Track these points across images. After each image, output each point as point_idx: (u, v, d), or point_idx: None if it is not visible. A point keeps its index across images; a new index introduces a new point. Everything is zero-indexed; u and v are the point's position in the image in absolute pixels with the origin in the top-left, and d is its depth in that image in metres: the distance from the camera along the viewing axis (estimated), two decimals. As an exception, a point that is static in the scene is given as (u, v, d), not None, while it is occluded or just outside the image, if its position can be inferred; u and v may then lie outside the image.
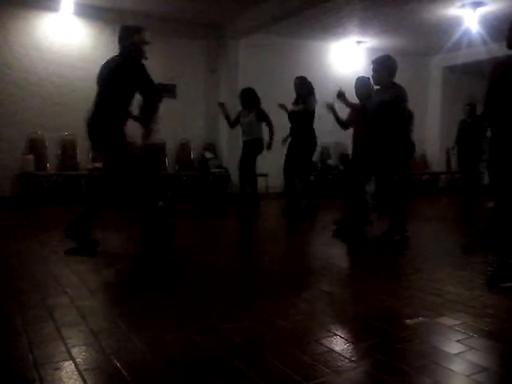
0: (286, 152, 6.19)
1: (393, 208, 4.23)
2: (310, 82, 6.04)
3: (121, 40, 3.95)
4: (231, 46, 8.70)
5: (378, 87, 4.24)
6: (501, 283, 2.70)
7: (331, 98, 4.74)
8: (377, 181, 4.49)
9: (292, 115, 6.04)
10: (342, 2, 7.11)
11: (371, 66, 4.20)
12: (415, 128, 6.79)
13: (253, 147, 6.48)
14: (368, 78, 4.61)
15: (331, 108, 4.96)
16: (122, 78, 3.77)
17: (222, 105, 6.63)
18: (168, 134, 7.47)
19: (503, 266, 2.74)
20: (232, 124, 6.66)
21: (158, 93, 4.05)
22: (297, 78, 6.11)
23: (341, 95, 4.43)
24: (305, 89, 5.97)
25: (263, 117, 6.41)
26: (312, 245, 4.48)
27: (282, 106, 6.08)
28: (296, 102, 6.04)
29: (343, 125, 5.24)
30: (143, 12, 7.78)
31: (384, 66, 4.13)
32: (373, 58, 4.27)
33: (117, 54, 3.96)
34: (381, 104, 4.03)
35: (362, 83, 4.87)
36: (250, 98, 6.51)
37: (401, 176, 4.32)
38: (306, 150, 6.05)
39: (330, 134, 7.31)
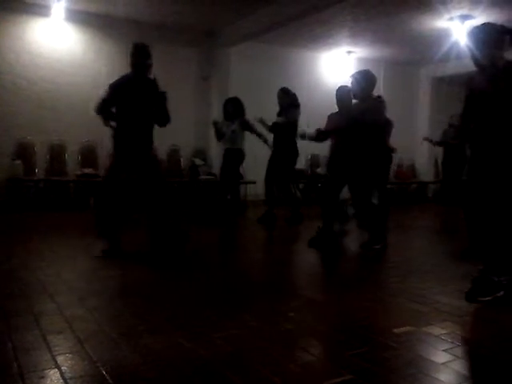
0: (268, 162, 6.17)
1: (371, 217, 4.25)
2: (293, 94, 6.01)
3: (142, 57, 3.99)
4: (222, 53, 8.74)
5: (356, 100, 4.33)
6: (480, 297, 2.63)
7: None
8: (351, 191, 4.52)
9: (274, 127, 6.02)
10: (334, 12, 7.19)
11: (352, 78, 4.29)
12: (404, 137, 6.88)
13: (236, 156, 6.44)
14: (349, 88, 4.65)
15: (304, 136, 5.02)
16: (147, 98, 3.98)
17: (216, 123, 6.69)
18: (157, 140, 7.45)
19: (484, 281, 2.68)
20: (219, 137, 6.60)
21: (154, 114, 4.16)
22: (280, 89, 6.08)
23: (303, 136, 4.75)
24: (286, 101, 5.97)
25: (248, 127, 6.37)
26: (298, 253, 4.48)
27: (261, 121, 6.12)
28: (279, 114, 6.04)
29: (319, 138, 4.95)
30: (134, 19, 7.80)
31: (366, 79, 4.24)
32: (354, 72, 4.38)
33: (133, 71, 4.03)
34: (360, 115, 4.11)
35: (343, 93, 4.90)
36: (236, 107, 6.47)
37: (378, 186, 4.38)
38: (288, 161, 6.04)
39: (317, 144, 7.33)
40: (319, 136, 4.77)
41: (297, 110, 5.99)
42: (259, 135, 6.33)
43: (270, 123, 6.07)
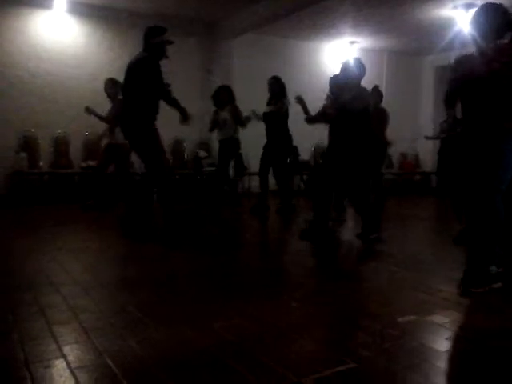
0: (262, 152, 6.13)
1: (366, 207, 4.21)
2: (283, 83, 5.98)
3: (147, 38, 4.22)
4: (224, 45, 8.70)
5: (345, 86, 4.33)
6: (473, 288, 2.61)
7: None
8: (345, 180, 4.50)
9: (265, 116, 5.99)
10: (336, 2, 7.14)
11: (353, 62, 4.31)
12: (407, 127, 6.83)
13: (229, 147, 6.40)
14: (341, 75, 4.60)
15: (300, 100, 4.98)
16: (138, 74, 4.12)
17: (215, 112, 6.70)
18: (161, 132, 7.45)
19: (477, 271, 2.64)
20: (211, 128, 6.56)
21: (163, 94, 4.32)
22: (271, 77, 6.04)
23: (300, 101, 4.80)
24: (278, 88, 5.93)
25: (236, 114, 6.30)
26: (299, 244, 4.47)
27: (254, 114, 6.08)
28: (269, 103, 6.00)
29: (310, 120, 5.03)
30: (136, 10, 7.78)
31: (362, 66, 4.29)
32: (355, 57, 4.46)
33: (141, 51, 4.23)
34: (349, 103, 4.10)
35: (337, 82, 4.86)
36: (225, 95, 6.43)
37: (372, 176, 4.34)
38: (281, 151, 6.00)
39: (322, 133, 7.32)
40: (309, 119, 4.93)
41: (286, 99, 5.92)
42: (242, 125, 6.29)
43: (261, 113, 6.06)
